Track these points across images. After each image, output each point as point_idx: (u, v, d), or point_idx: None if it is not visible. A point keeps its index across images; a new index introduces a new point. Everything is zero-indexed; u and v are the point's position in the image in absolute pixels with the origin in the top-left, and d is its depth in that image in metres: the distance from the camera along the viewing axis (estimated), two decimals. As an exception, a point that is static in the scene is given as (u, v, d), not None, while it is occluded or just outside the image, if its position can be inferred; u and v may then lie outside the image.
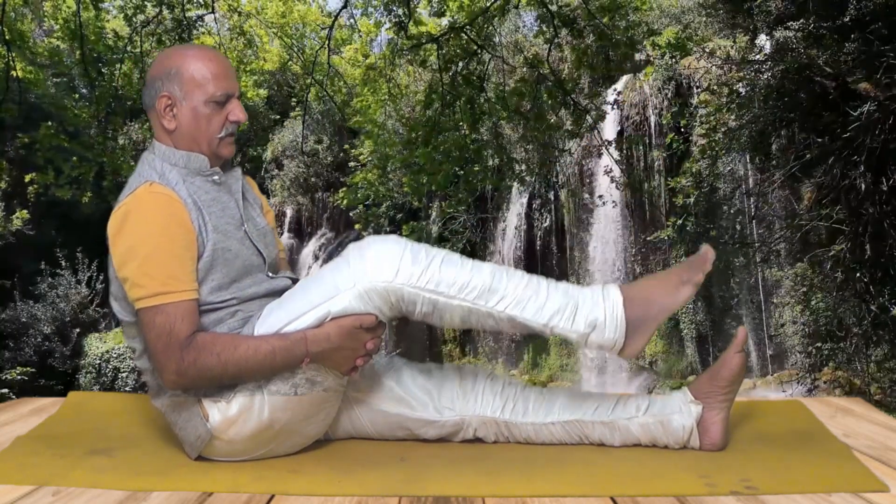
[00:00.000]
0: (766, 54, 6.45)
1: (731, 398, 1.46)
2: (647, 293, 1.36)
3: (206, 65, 1.42)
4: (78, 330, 11.68)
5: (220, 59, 1.46)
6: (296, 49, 12.15)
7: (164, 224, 1.33)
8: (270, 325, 1.35)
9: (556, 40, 7.54)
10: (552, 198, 13.35)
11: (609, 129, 11.05)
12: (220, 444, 1.39)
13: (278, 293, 1.49)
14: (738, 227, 10.64)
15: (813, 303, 5.99)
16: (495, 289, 1.32)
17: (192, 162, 1.43)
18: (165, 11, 7.23)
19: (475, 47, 7.29)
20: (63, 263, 11.81)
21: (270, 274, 1.50)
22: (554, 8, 7.36)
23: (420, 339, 13.68)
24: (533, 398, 1.50)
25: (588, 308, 1.33)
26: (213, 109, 1.42)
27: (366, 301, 1.31)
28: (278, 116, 17.14)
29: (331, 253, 15.03)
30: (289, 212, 16.16)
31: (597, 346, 1.35)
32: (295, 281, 1.54)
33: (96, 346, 11.75)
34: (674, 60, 11.73)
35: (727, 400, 1.45)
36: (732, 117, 6.57)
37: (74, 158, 8.15)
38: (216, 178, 1.46)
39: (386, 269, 1.30)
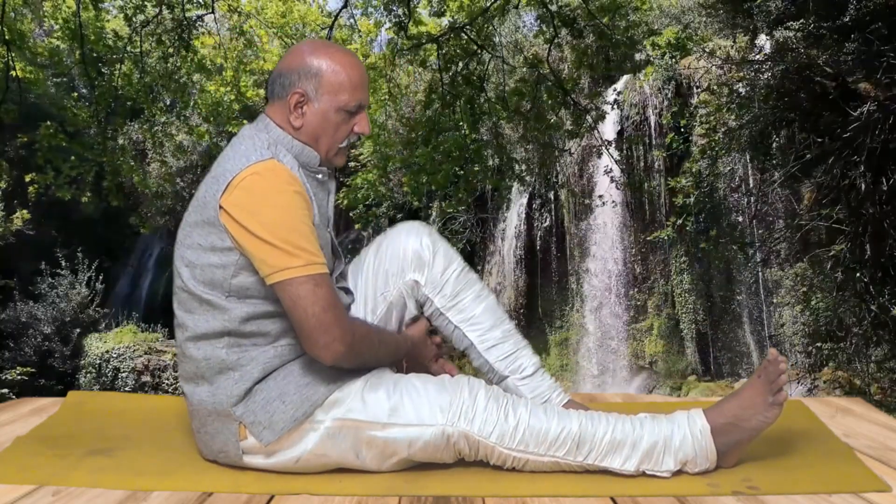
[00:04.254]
0: (766, 54, 6.44)
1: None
2: (734, 418, 1.35)
3: (348, 72, 1.38)
4: (78, 330, 11.66)
5: (361, 69, 1.42)
6: (296, 49, 12.10)
7: (298, 199, 1.31)
8: (377, 404, 1.35)
9: (556, 40, 7.54)
10: (552, 198, 13.35)
11: (609, 129, 11.04)
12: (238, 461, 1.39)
13: None
14: (738, 227, 10.63)
15: (813, 303, 5.98)
16: (584, 441, 1.33)
17: (304, 155, 1.40)
18: (165, 11, 7.22)
19: (475, 47, 7.29)
20: (63, 263, 11.80)
21: (337, 277, 1.51)
22: (554, 8, 7.35)
23: (420, 339, 13.66)
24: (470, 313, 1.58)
25: (676, 445, 1.34)
26: (343, 118, 1.40)
27: (449, 440, 1.33)
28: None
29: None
30: (289, 212, 16.11)
31: (691, 474, 1.36)
32: (348, 293, 1.54)
33: (96, 346, 11.74)
34: (674, 60, 11.72)
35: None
36: (732, 117, 6.57)
37: (73, 158, 8.14)
38: (320, 176, 1.45)
39: (486, 423, 1.33)
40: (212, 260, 1.33)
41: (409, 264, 1.54)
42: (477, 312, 1.56)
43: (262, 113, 1.44)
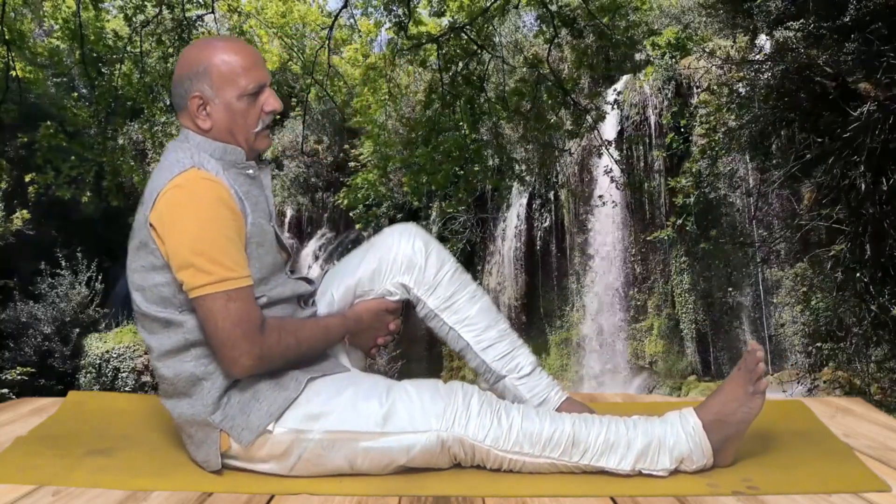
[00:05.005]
0: (766, 54, 6.45)
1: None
2: (719, 414, 1.36)
3: (235, 58, 1.38)
4: (78, 330, 11.67)
5: (248, 50, 1.41)
6: (296, 49, 12.14)
7: (218, 208, 1.30)
8: (366, 414, 1.34)
9: (556, 40, 7.53)
10: (552, 198, 13.35)
11: (609, 129, 11.04)
12: (227, 460, 1.39)
13: (300, 298, 1.50)
14: (738, 227, 10.63)
15: (813, 303, 5.99)
16: (578, 441, 1.33)
17: (228, 154, 1.40)
18: (165, 11, 7.23)
19: (475, 47, 7.28)
20: (63, 263, 11.80)
21: (289, 273, 1.50)
22: (554, 8, 7.35)
23: (420, 338, 13.67)
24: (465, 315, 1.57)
25: (671, 443, 1.34)
26: (247, 103, 1.39)
27: (444, 445, 1.33)
28: (278, 116, 17.08)
29: (331, 253, 15.02)
30: (289, 212, 16.14)
31: (689, 473, 1.36)
32: (310, 282, 1.54)
33: (96, 346, 11.74)
34: (674, 60, 11.72)
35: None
36: (732, 117, 6.57)
37: (73, 158, 8.15)
38: (250, 171, 1.43)
39: (480, 427, 1.33)
40: (157, 279, 1.33)
41: (398, 267, 1.54)
42: (472, 313, 1.55)
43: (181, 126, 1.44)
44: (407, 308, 1.62)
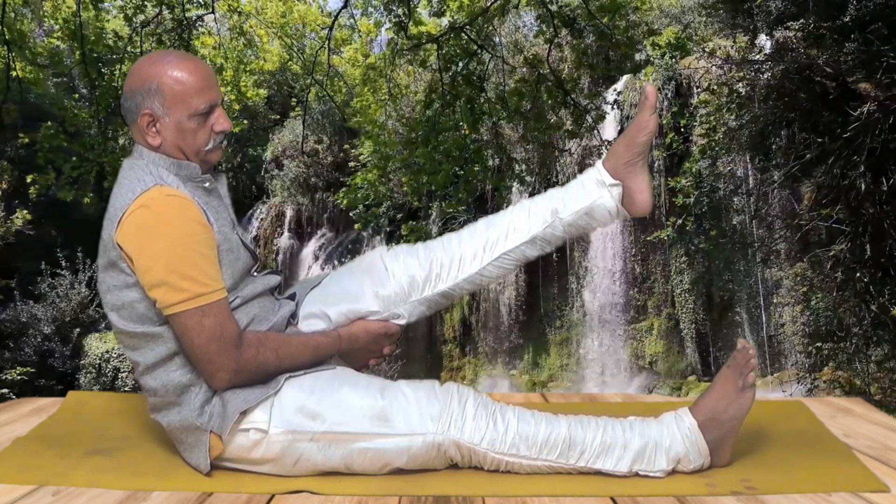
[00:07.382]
0: (766, 54, 6.45)
1: (647, 157, 1.52)
2: (712, 412, 1.36)
3: (188, 77, 1.36)
4: (78, 330, 11.67)
5: (201, 69, 1.40)
6: (296, 49, 12.13)
7: (188, 225, 1.31)
8: (354, 410, 1.33)
9: (556, 40, 7.53)
10: (552, 198, 13.33)
11: (609, 129, 11.03)
12: (224, 463, 1.39)
13: (273, 290, 1.52)
14: (738, 227, 10.64)
15: (813, 303, 5.99)
16: (574, 443, 1.33)
17: (182, 169, 1.39)
18: (165, 11, 7.22)
19: (475, 47, 7.29)
20: (63, 263, 11.80)
21: (255, 273, 1.51)
22: (554, 8, 7.35)
23: (420, 338, 13.68)
24: (457, 256, 1.49)
25: (667, 444, 1.34)
26: (197, 123, 1.38)
27: (440, 448, 1.33)
28: (278, 116, 17.13)
29: (330, 253, 15.02)
30: (289, 212, 16.15)
31: (687, 473, 1.36)
32: (277, 273, 1.55)
33: (96, 346, 11.75)
34: (674, 60, 11.73)
35: (644, 161, 1.51)
36: (732, 117, 6.58)
37: (74, 159, 8.15)
38: (207, 185, 1.43)
39: (475, 430, 1.32)
40: (131, 296, 1.34)
41: (408, 290, 1.50)
42: (473, 245, 1.49)
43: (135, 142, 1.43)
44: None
